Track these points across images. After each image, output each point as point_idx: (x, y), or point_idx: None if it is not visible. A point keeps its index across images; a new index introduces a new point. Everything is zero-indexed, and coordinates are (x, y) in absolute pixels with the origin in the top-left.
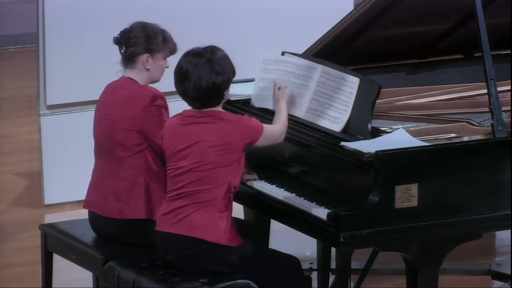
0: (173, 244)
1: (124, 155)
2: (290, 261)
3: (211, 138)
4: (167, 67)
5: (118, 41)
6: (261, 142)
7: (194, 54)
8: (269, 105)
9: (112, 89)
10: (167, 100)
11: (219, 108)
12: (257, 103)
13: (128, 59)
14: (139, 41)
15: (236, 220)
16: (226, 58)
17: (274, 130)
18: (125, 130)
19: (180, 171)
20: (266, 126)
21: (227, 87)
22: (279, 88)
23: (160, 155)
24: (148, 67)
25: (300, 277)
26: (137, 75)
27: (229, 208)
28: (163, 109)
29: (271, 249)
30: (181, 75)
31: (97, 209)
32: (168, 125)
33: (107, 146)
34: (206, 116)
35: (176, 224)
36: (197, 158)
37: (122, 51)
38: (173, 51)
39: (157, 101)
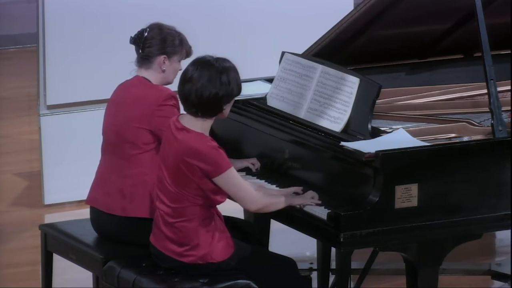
0: (166, 261)
1: (132, 152)
2: (285, 262)
3: (177, 157)
4: (180, 70)
5: (135, 41)
6: (221, 182)
7: (203, 62)
8: (278, 105)
9: (125, 88)
10: None
11: (208, 124)
12: (268, 100)
13: (144, 59)
14: (156, 42)
15: (236, 220)
16: (234, 73)
17: (246, 190)
18: (136, 128)
19: (163, 181)
20: (239, 178)
21: (228, 101)
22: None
23: None
24: (164, 68)
25: (296, 277)
26: (152, 75)
27: (214, 217)
28: (176, 109)
29: (266, 250)
30: (185, 79)
31: (100, 206)
32: (168, 125)
33: (115, 143)
34: (184, 131)
35: (166, 244)
36: (171, 175)
37: (139, 51)
38: (188, 54)
39: (170, 101)
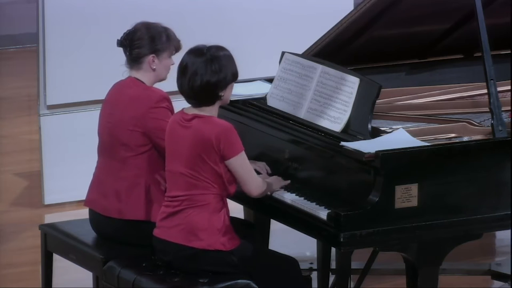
0: (171, 250)
1: (126, 155)
2: (287, 261)
3: (193, 143)
4: (172, 65)
5: (122, 43)
6: (234, 164)
7: (195, 51)
8: (278, 105)
9: (118, 89)
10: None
11: (213, 110)
12: (268, 100)
13: (134, 61)
14: (144, 43)
15: (236, 220)
16: (227, 58)
17: (254, 175)
18: (129, 131)
19: (176, 173)
20: (248, 161)
21: (223, 87)
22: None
23: (164, 157)
24: (154, 67)
25: (298, 277)
26: (143, 75)
27: (223, 210)
28: (169, 111)
29: (268, 249)
30: (180, 70)
31: (98, 208)
32: (169, 122)
33: (110, 145)
34: (195, 118)
35: (173, 231)
36: (188, 164)
37: (127, 53)
38: (177, 48)
39: (163, 103)
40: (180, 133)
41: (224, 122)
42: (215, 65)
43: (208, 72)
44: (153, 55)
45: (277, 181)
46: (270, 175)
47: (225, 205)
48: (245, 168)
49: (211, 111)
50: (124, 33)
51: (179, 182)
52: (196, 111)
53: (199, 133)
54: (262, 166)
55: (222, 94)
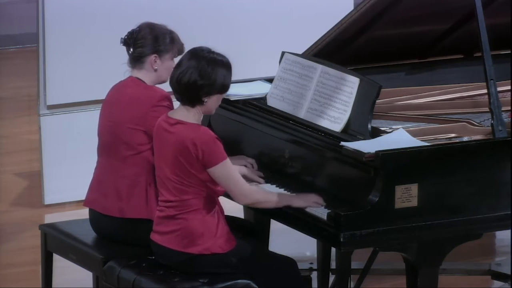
0: (168, 256)
1: (127, 153)
2: (286, 262)
3: (175, 150)
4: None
5: (126, 42)
6: (216, 173)
7: (197, 50)
8: (278, 105)
9: (119, 88)
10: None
11: (196, 115)
12: (268, 100)
13: (136, 60)
14: (147, 42)
15: (235, 220)
16: (225, 68)
17: (238, 184)
18: (130, 129)
19: (164, 178)
20: (233, 170)
21: (207, 93)
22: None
23: None
24: (156, 67)
25: (297, 277)
26: (145, 75)
27: (216, 210)
28: (170, 110)
29: (267, 250)
30: (176, 65)
31: (98, 207)
32: (155, 127)
33: (111, 144)
34: (178, 124)
35: (168, 237)
36: (173, 169)
37: (130, 52)
38: (180, 51)
39: (164, 102)
40: (164, 137)
41: (207, 131)
42: (209, 69)
43: (199, 72)
44: (155, 55)
45: (299, 198)
46: (270, 176)
47: (217, 205)
48: (228, 177)
49: (195, 116)
50: (128, 32)
51: (169, 187)
52: (180, 117)
53: (180, 140)
54: (252, 161)
55: (205, 100)
